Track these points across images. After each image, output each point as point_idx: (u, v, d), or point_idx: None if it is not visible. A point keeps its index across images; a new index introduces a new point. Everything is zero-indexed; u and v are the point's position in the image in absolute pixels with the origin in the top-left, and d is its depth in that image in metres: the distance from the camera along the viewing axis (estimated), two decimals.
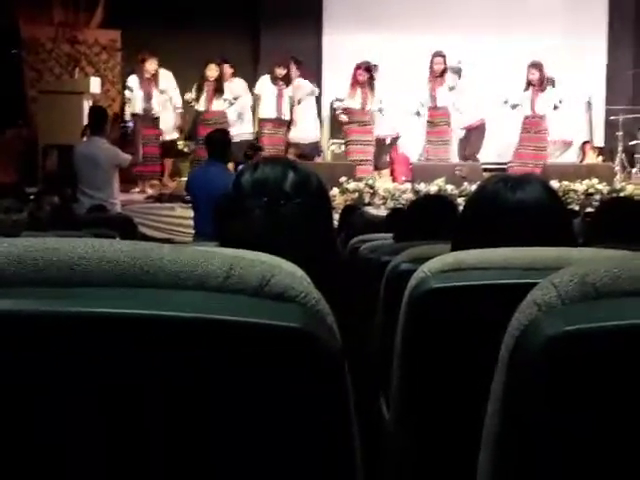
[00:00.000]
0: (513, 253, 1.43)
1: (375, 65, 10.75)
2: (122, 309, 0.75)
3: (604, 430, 0.80)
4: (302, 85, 10.75)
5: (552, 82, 10.71)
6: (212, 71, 10.24)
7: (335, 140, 11.20)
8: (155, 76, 10.35)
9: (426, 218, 3.15)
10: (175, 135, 10.77)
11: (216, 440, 0.79)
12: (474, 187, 6.97)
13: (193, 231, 6.70)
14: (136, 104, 10.24)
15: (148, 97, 10.27)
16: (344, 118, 10.40)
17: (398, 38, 11.60)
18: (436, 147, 10.59)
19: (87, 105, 9.65)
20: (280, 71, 10.52)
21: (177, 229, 9.04)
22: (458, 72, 10.80)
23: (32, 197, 7.36)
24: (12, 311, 0.75)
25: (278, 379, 0.78)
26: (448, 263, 1.46)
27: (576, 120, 11.23)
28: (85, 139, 8.26)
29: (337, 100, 10.58)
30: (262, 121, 10.62)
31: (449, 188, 9.37)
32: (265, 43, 12.05)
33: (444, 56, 10.52)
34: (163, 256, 0.81)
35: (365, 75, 10.38)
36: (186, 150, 10.78)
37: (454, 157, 10.78)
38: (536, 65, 10.38)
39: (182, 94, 10.54)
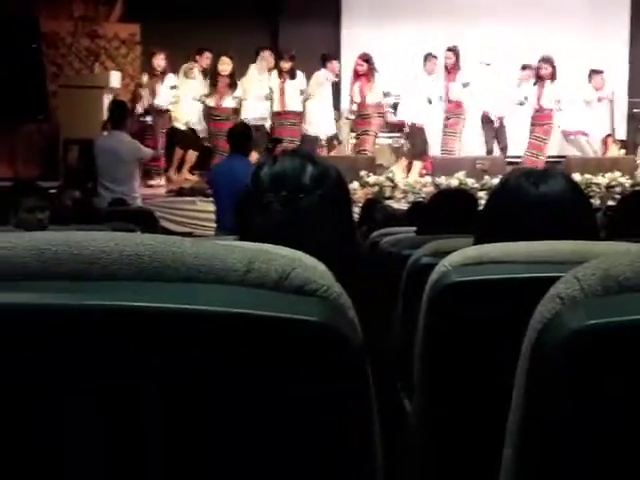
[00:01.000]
0: (535, 247, 1.42)
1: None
2: (143, 303, 0.75)
3: (627, 424, 0.79)
4: (315, 75, 10.70)
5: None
6: (225, 65, 10.16)
7: (355, 133, 11.18)
8: (164, 72, 10.31)
9: (448, 212, 3.15)
10: (199, 126, 10.71)
11: (236, 434, 0.79)
12: (495, 181, 6.94)
13: (214, 225, 6.72)
14: (145, 99, 10.23)
15: (153, 92, 10.26)
16: (353, 111, 10.50)
17: (417, 31, 11.57)
18: (447, 138, 10.69)
19: (107, 99, 9.68)
20: (284, 64, 10.41)
21: (198, 223, 9.06)
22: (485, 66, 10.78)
23: (53, 192, 7.39)
24: (34, 305, 0.75)
25: (299, 373, 0.78)
26: (469, 257, 1.45)
27: (598, 113, 11.14)
28: (106, 133, 8.29)
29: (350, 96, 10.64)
30: (274, 114, 10.58)
31: (470, 182, 9.34)
32: (283, 37, 12.04)
33: (454, 50, 10.56)
34: (184, 250, 0.81)
35: (364, 66, 10.40)
36: (207, 144, 10.75)
37: (465, 152, 10.78)
38: (547, 60, 10.40)
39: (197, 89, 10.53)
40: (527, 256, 1.40)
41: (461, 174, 9.56)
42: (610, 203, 8.32)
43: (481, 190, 8.47)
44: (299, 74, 10.49)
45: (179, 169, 10.59)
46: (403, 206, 7.93)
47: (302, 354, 0.77)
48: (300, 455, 0.79)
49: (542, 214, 1.72)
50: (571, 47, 11.16)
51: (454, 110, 10.66)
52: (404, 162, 10.66)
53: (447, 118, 10.69)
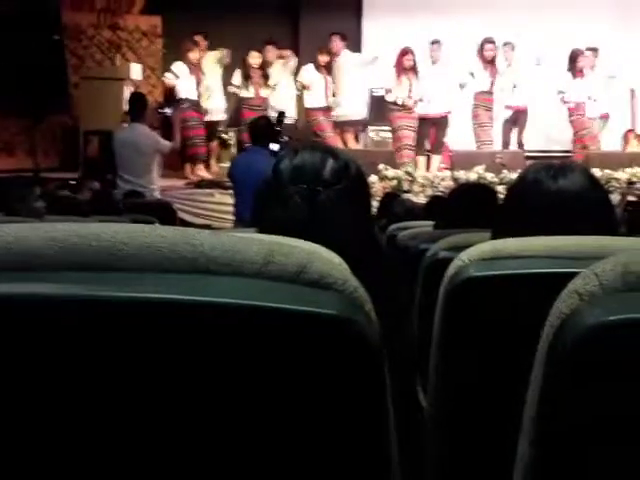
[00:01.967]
0: (554, 242, 1.41)
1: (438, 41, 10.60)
2: (161, 294, 0.76)
3: None
4: (350, 56, 10.65)
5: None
6: (254, 58, 10.24)
7: (374, 127, 11.13)
8: (199, 64, 10.35)
9: (466, 206, 3.14)
10: (222, 116, 10.75)
11: (251, 426, 0.79)
12: (514, 175, 6.92)
13: (232, 217, 6.73)
14: (183, 90, 10.24)
15: (198, 83, 10.29)
16: (391, 103, 10.36)
17: (439, 23, 11.49)
18: (479, 130, 10.60)
19: (128, 91, 9.71)
20: (323, 58, 10.45)
21: (216, 215, 9.09)
22: (511, 45, 10.71)
23: (73, 183, 7.43)
24: (53, 295, 0.76)
25: (315, 366, 0.78)
26: (487, 251, 1.45)
27: (619, 107, 11.08)
28: (125, 125, 8.32)
29: (386, 91, 10.47)
30: (312, 110, 10.57)
31: (489, 176, 9.31)
32: (304, 28, 12.04)
33: (494, 42, 10.46)
34: (202, 242, 0.81)
35: (412, 60, 10.29)
36: (224, 136, 10.78)
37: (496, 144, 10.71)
38: (583, 53, 10.35)
39: (224, 78, 10.55)
40: (545, 251, 1.39)
41: (480, 168, 9.52)
42: (630, 199, 8.27)
43: (500, 184, 8.42)
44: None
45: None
46: (421, 200, 7.91)
47: (318, 347, 0.77)
48: (315, 448, 0.80)
49: (561, 209, 1.71)
50: (594, 41, 11.07)
51: (488, 102, 10.57)
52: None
53: (487, 109, 10.56)
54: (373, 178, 8.98)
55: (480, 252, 1.45)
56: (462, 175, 9.37)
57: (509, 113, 10.82)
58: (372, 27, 12.15)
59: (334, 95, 10.57)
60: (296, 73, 10.66)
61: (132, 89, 9.88)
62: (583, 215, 1.70)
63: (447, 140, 10.81)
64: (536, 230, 1.52)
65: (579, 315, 0.82)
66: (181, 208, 8.73)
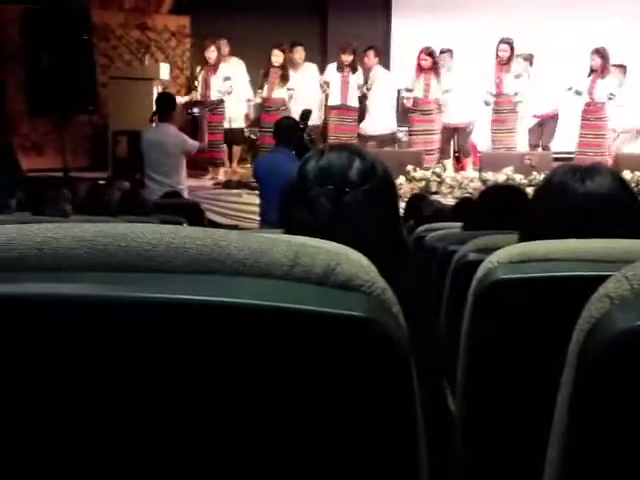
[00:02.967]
0: (583, 245, 1.40)
1: (449, 50, 10.59)
2: (189, 295, 0.76)
3: None
4: (382, 72, 10.63)
5: (623, 69, 10.52)
6: (277, 57, 10.21)
7: (401, 128, 11.12)
8: (216, 64, 10.37)
9: (495, 207, 3.12)
10: (241, 124, 10.80)
11: (281, 428, 0.79)
12: (543, 177, 6.87)
13: (259, 218, 6.75)
14: (199, 92, 10.32)
15: (206, 85, 10.32)
16: (407, 103, 10.32)
17: (468, 23, 11.46)
18: (502, 135, 10.43)
19: (156, 91, 9.76)
20: (346, 57, 10.41)
21: (244, 215, 9.10)
22: (529, 59, 10.63)
23: (102, 182, 7.47)
24: (80, 296, 0.76)
25: (343, 368, 0.77)
26: (516, 254, 1.44)
27: None
28: (153, 125, 8.36)
29: (406, 90, 10.45)
30: (329, 108, 10.60)
31: (517, 177, 9.26)
32: (333, 29, 12.04)
33: (510, 43, 10.26)
34: (230, 243, 0.81)
35: (428, 60, 10.23)
36: (253, 137, 10.82)
37: (522, 146, 10.59)
38: (598, 51, 10.15)
39: (252, 80, 10.58)
40: (575, 254, 1.38)
41: (509, 169, 9.47)
42: None
43: (529, 186, 8.36)
44: (359, 68, 10.49)
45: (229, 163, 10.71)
46: (450, 201, 7.88)
47: (346, 349, 0.77)
48: (343, 451, 0.79)
49: (588, 211, 1.70)
50: (612, 39, 10.97)
51: (507, 104, 10.41)
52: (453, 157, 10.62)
53: (499, 113, 10.40)
54: (401, 179, 8.96)
55: (509, 254, 1.45)
56: (490, 176, 9.32)
57: (535, 120, 10.74)
58: (401, 27, 12.12)
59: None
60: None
61: (160, 89, 9.93)
62: (611, 217, 1.69)
63: (475, 141, 10.77)
64: (563, 233, 1.51)
65: (610, 319, 0.81)
66: (209, 208, 8.75)
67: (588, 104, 10.23)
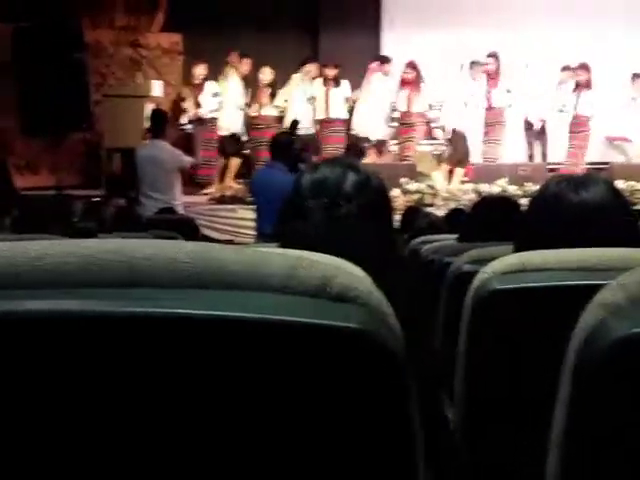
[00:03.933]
0: (578, 254, 1.41)
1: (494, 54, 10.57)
2: (184, 310, 0.76)
3: None
4: (383, 79, 10.72)
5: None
6: (265, 75, 10.28)
7: (395, 141, 11.15)
8: (204, 80, 10.40)
9: (489, 219, 3.13)
10: (238, 129, 10.77)
11: (277, 440, 0.79)
12: (537, 187, 6.89)
13: (254, 232, 6.75)
14: (189, 110, 10.35)
15: (197, 104, 10.37)
16: (395, 120, 10.51)
17: (458, 37, 11.49)
18: (488, 147, 10.59)
19: (149, 108, 9.76)
20: (329, 71, 10.47)
21: (238, 230, 9.11)
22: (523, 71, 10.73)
23: (97, 200, 7.47)
24: (76, 311, 0.76)
25: (339, 380, 0.77)
26: (511, 264, 1.44)
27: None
28: (147, 142, 8.36)
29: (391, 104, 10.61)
30: (317, 122, 10.65)
31: (511, 189, 9.28)
32: (324, 44, 12.07)
33: (496, 56, 10.49)
34: (225, 257, 0.81)
35: (412, 73, 10.34)
36: (247, 152, 10.80)
37: (506, 158, 10.67)
38: (582, 66, 10.32)
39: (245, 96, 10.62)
40: (570, 263, 1.39)
41: (503, 181, 9.50)
42: None
43: (523, 197, 8.38)
44: (343, 82, 10.54)
45: (222, 178, 10.67)
46: (444, 213, 7.89)
47: (342, 361, 0.77)
48: (340, 462, 0.79)
49: (583, 221, 1.70)
50: (611, 50, 11.03)
51: (496, 117, 10.55)
52: (446, 169, 10.60)
53: (489, 125, 10.56)
54: (395, 192, 8.97)
55: (505, 265, 1.45)
56: (485, 188, 9.34)
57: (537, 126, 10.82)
58: (391, 42, 12.16)
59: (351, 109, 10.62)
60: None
61: (153, 106, 9.94)
62: (606, 227, 1.69)
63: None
64: (558, 242, 1.52)
65: (606, 327, 0.81)
66: (204, 224, 8.76)
67: (574, 117, 10.40)
